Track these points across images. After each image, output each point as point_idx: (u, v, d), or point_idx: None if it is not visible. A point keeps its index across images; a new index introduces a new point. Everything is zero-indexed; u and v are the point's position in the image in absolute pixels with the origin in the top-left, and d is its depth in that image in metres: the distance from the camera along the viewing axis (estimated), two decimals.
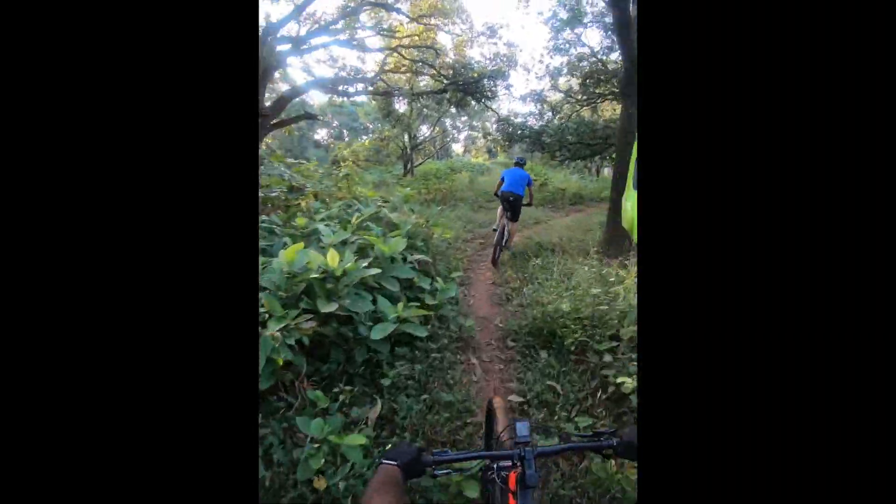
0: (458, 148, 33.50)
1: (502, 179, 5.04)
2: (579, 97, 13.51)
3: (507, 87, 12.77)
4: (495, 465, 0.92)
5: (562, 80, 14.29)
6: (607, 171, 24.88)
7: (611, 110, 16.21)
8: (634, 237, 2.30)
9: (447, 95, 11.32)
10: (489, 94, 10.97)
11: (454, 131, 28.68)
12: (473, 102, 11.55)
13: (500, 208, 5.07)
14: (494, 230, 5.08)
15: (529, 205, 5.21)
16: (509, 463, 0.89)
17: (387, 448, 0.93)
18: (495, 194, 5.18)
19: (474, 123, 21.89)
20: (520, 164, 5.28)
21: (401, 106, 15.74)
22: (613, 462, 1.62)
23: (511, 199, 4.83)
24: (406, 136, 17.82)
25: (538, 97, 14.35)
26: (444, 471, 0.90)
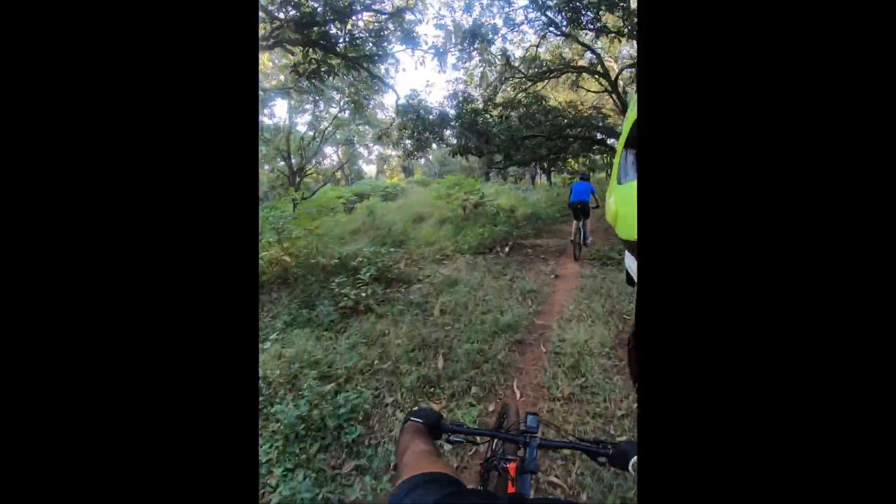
0: (370, 169, 28.96)
1: (572, 190, 6.56)
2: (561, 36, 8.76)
3: (412, 45, 7.92)
4: (500, 450, 1.10)
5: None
6: (543, 179, 21.63)
7: (595, 86, 12.36)
8: (618, 231, 2.26)
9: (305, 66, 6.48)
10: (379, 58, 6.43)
11: (363, 149, 23.86)
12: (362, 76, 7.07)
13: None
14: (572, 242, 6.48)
15: (596, 207, 6.47)
16: (512, 456, 1.04)
17: (414, 409, 0.94)
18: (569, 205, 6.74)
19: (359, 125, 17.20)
20: (584, 178, 6.92)
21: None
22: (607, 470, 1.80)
23: (579, 206, 6.34)
24: (286, 156, 12.70)
25: (464, 59, 9.01)
26: (458, 439, 0.96)
